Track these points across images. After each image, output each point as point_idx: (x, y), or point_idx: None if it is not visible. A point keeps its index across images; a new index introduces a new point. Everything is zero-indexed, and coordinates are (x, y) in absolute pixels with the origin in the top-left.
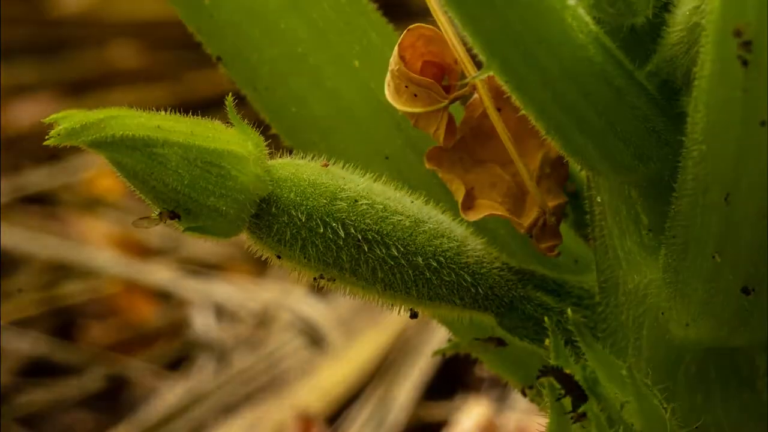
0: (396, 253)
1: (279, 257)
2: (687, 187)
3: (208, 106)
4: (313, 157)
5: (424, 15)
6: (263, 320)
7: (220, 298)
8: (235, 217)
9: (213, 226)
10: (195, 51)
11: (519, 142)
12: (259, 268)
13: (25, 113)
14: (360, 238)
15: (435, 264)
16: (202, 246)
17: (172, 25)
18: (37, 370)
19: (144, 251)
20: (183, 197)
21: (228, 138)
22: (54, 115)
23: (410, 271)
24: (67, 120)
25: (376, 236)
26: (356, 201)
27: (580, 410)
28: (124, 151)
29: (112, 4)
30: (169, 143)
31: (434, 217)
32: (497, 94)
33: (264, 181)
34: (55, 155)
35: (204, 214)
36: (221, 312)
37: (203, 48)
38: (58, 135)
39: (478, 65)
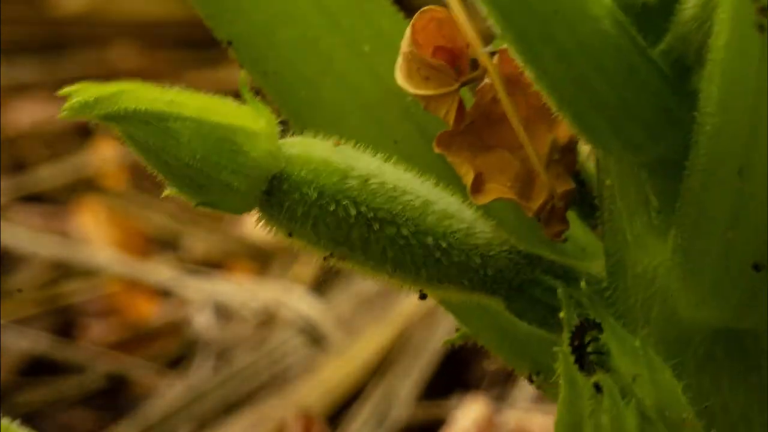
0: (406, 233)
1: (290, 235)
2: (699, 162)
3: None
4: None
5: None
6: (264, 319)
7: (220, 296)
8: (247, 192)
9: (224, 201)
10: (196, 51)
11: (529, 127)
12: (260, 266)
13: (25, 113)
14: (370, 216)
15: (444, 244)
16: (203, 244)
17: (172, 25)
18: (37, 369)
19: (144, 250)
20: (195, 172)
21: (241, 114)
22: (67, 89)
23: (420, 251)
24: (80, 93)
25: (386, 215)
26: (367, 180)
27: (593, 381)
28: (137, 125)
29: (112, 4)
30: (182, 118)
31: (444, 198)
32: (508, 79)
33: (276, 158)
34: (55, 154)
35: (216, 188)
36: (222, 310)
37: (205, 43)
38: (72, 108)
39: (492, 52)
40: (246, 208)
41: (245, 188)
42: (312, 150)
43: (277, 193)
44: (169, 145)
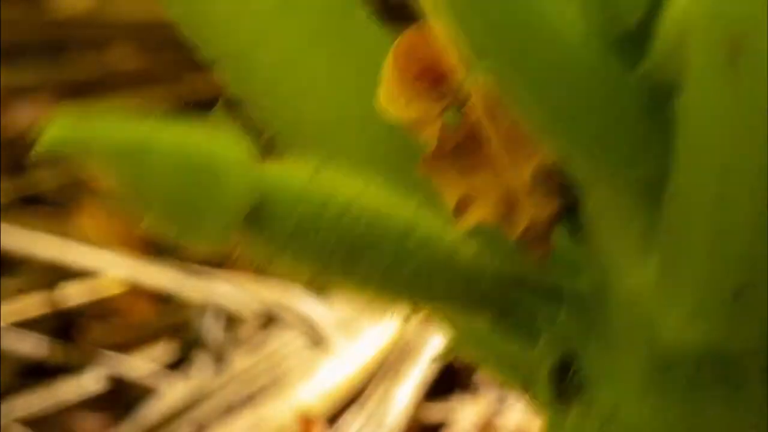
0: (388, 258)
1: (270, 262)
2: (678, 190)
3: (209, 107)
4: (305, 161)
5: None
6: (265, 320)
7: (221, 298)
8: (225, 224)
9: (201, 232)
10: (194, 52)
11: (513, 150)
12: (261, 267)
13: (25, 114)
14: (351, 244)
15: (427, 269)
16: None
17: (172, 26)
18: (38, 371)
19: (145, 251)
20: (171, 204)
21: (218, 144)
22: (42, 122)
23: (402, 276)
24: (53, 126)
25: (367, 242)
26: (347, 207)
27: (578, 408)
28: (110, 159)
29: (112, 4)
30: (157, 151)
31: (427, 220)
32: (492, 101)
33: (253, 188)
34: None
35: (192, 221)
36: (222, 312)
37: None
38: (43, 144)
39: None
40: (224, 239)
41: (224, 219)
42: (290, 178)
43: (255, 223)
44: (144, 179)
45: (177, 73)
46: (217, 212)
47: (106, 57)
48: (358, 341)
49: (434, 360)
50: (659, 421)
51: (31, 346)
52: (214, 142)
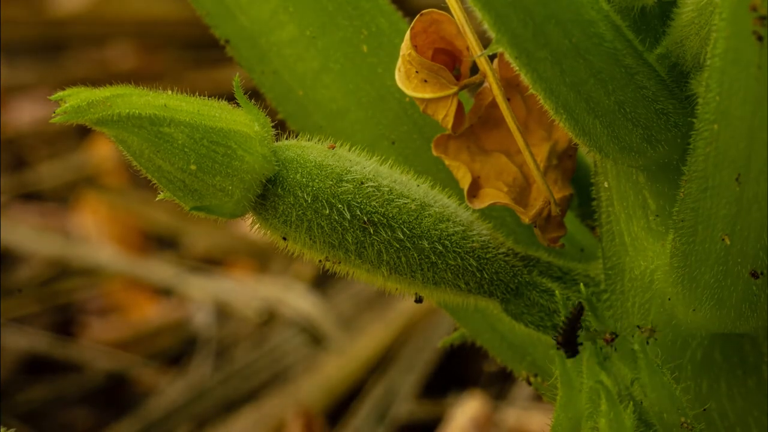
0: (401, 236)
1: (284, 239)
2: (697, 168)
3: None
4: (319, 141)
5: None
6: (264, 317)
7: (221, 294)
8: (241, 197)
9: (218, 206)
10: (195, 51)
11: (527, 133)
12: (261, 264)
13: (25, 112)
14: (365, 220)
15: (440, 248)
16: (203, 242)
17: (171, 24)
18: (38, 367)
19: (144, 247)
20: (189, 176)
21: (234, 118)
22: (60, 93)
23: (415, 255)
24: (73, 98)
25: (381, 219)
26: (362, 183)
27: (591, 384)
28: (130, 130)
29: (111, 4)
30: (175, 122)
31: (440, 201)
32: (507, 84)
33: (270, 162)
34: (55, 153)
35: (210, 193)
36: (222, 308)
37: (204, 43)
38: (65, 113)
39: (492, 56)
40: (240, 213)
41: (239, 192)
42: (307, 153)
43: (271, 197)
44: (162, 150)
45: (176, 72)
46: (234, 184)
47: (105, 55)
48: (357, 337)
49: (442, 344)
50: (673, 397)
51: (32, 341)
52: (232, 116)
